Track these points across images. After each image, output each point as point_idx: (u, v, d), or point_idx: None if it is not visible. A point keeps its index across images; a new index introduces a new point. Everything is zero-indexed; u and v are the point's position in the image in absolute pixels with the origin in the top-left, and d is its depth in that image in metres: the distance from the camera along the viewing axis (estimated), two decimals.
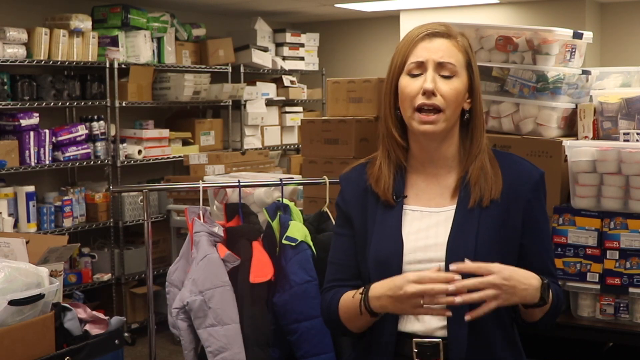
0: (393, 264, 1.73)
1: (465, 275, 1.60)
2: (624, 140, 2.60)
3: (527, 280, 1.64)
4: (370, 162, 1.85)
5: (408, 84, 1.73)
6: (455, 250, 1.70)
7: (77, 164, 5.52)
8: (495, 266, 1.60)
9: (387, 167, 1.80)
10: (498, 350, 1.74)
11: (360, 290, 1.72)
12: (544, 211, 1.80)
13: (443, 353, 1.69)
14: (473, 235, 1.71)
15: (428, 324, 1.72)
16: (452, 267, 1.60)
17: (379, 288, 1.67)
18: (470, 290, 1.59)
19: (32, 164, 5.18)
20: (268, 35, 7.08)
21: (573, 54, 2.83)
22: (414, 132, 1.76)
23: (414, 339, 1.71)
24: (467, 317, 1.60)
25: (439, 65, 1.72)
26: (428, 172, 1.80)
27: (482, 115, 1.80)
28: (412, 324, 1.73)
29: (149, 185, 4.93)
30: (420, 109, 1.72)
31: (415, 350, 1.70)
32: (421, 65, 1.72)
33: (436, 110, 1.71)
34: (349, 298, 1.76)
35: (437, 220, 1.75)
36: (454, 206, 1.75)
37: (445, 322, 1.71)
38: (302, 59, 7.34)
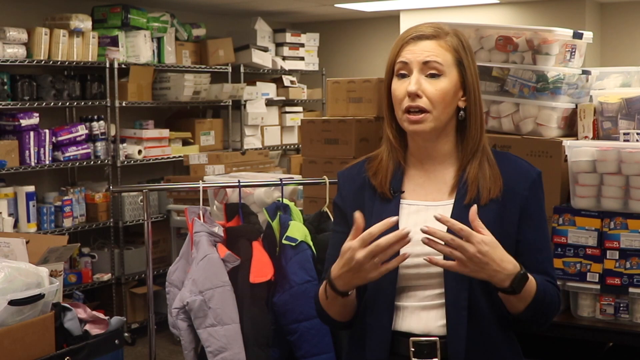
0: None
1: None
2: (624, 140, 2.60)
3: (502, 263, 1.62)
4: (370, 158, 1.88)
5: (396, 87, 1.76)
6: None
7: (77, 164, 5.52)
8: (477, 237, 1.59)
9: (387, 162, 1.82)
10: (496, 347, 1.74)
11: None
12: (541, 210, 1.81)
13: (440, 352, 1.69)
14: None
15: (425, 323, 1.72)
16: (436, 214, 1.61)
17: (336, 268, 1.69)
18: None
19: (32, 164, 5.18)
20: (268, 35, 7.08)
21: (573, 54, 2.83)
22: (406, 131, 1.79)
23: (411, 338, 1.71)
24: (424, 239, 1.61)
25: (424, 65, 1.73)
26: (426, 168, 1.82)
27: (480, 113, 1.80)
28: (409, 323, 1.73)
29: (149, 185, 4.93)
30: (408, 111, 1.74)
31: (413, 349, 1.70)
32: (406, 66, 1.75)
33: (422, 110, 1.73)
34: (322, 286, 1.78)
35: (434, 215, 1.76)
36: (452, 201, 1.77)
37: (443, 321, 1.71)
38: (302, 59, 7.34)
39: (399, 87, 1.75)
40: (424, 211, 1.78)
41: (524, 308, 1.71)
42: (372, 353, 1.76)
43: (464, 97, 1.78)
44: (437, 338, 1.70)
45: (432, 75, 1.73)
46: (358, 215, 1.64)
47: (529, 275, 1.68)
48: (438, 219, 1.60)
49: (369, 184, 1.83)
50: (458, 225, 1.59)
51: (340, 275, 1.68)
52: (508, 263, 1.64)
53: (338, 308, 1.78)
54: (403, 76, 1.75)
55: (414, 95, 1.72)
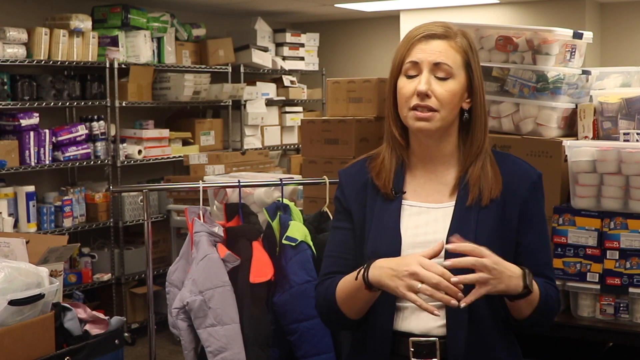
0: None
1: (460, 256, 1.60)
2: (624, 140, 2.60)
3: (511, 267, 1.64)
4: (372, 157, 1.87)
5: (404, 85, 1.75)
6: None
7: (77, 164, 5.52)
8: (487, 250, 1.60)
9: (389, 161, 1.82)
10: (495, 348, 1.75)
11: (363, 267, 1.71)
12: (541, 212, 1.81)
13: (440, 352, 1.69)
14: (472, 232, 1.71)
15: (425, 324, 1.72)
16: (449, 246, 1.59)
17: (385, 260, 1.67)
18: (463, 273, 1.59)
19: (32, 164, 5.17)
20: (268, 35, 7.08)
21: (573, 54, 2.83)
22: (411, 130, 1.78)
23: (411, 338, 1.71)
24: (463, 304, 1.58)
25: (435, 67, 1.73)
26: (427, 169, 1.81)
27: (484, 115, 1.80)
28: (409, 323, 1.73)
29: (149, 185, 4.92)
30: (415, 108, 1.73)
31: (412, 350, 1.70)
32: (416, 66, 1.74)
33: (431, 109, 1.72)
34: (351, 275, 1.74)
35: (435, 217, 1.77)
36: (453, 203, 1.77)
37: (443, 321, 1.71)
38: (302, 59, 7.33)
39: (407, 86, 1.74)
40: (425, 213, 1.78)
41: (530, 312, 1.71)
42: (373, 353, 1.76)
43: (468, 99, 1.78)
44: (437, 338, 1.70)
45: (442, 77, 1.73)
46: (445, 246, 1.62)
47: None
48: (451, 249, 1.59)
49: (371, 184, 1.82)
50: (468, 247, 1.59)
51: (382, 267, 1.65)
52: (514, 267, 1.65)
53: (358, 303, 1.74)
54: (411, 76, 1.74)
55: (423, 95, 1.71)
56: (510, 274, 1.62)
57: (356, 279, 1.69)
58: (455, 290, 1.56)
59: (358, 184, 1.85)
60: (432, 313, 1.59)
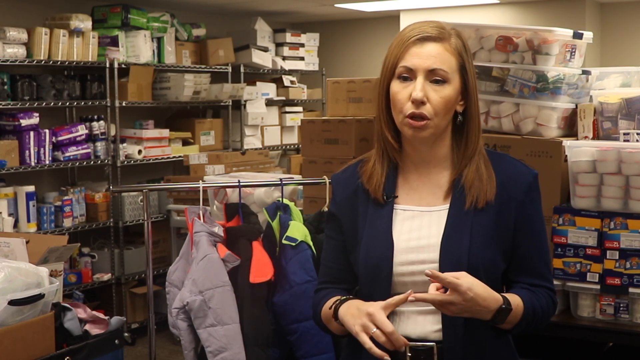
0: (383, 265, 1.71)
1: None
2: (624, 140, 2.60)
3: (485, 302, 1.62)
4: (363, 161, 1.84)
5: (399, 91, 1.71)
6: (449, 251, 1.69)
7: (77, 164, 5.52)
8: (463, 284, 1.58)
9: (380, 165, 1.79)
10: (492, 351, 1.73)
11: (342, 297, 1.76)
12: (538, 213, 1.78)
13: (437, 357, 1.68)
14: (467, 236, 1.69)
15: (422, 328, 1.71)
16: (427, 272, 1.59)
17: (357, 301, 1.71)
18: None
19: (32, 164, 5.17)
20: (268, 35, 7.08)
21: (573, 54, 2.83)
22: (406, 136, 1.75)
23: (408, 343, 1.69)
24: (412, 298, 1.61)
25: (430, 72, 1.69)
26: (421, 171, 1.78)
27: (478, 117, 1.77)
28: (405, 327, 1.71)
29: (149, 185, 4.92)
30: (409, 117, 1.70)
31: (409, 354, 1.68)
32: (411, 72, 1.70)
33: (424, 117, 1.69)
34: (330, 302, 1.79)
35: (429, 220, 1.74)
36: (447, 206, 1.74)
37: (439, 326, 1.70)
38: (302, 59, 7.34)
39: (402, 91, 1.70)
40: (419, 217, 1.75)
41: (512, 327, 1.72)
42: (368, 357, 1.74)
43: (461, 101, 1.74)
44: (434, 343, 1.68)
45: (437, 81, 1.69)
46: (405, 296, 1.63)
47: (516, 297, 1.69)
48: (429, 275, 1.59)
49: (362, 189, 1.80)
50: (446, 279, 1.58)
51: (350, 306, 1.71)
52: (490, 301, 1.63)
53: (336, 328, 1.80)
54: (405, 79, 1.70)
55: (418, 102, 1.67)
56: (480, 308, 1.62)
57: (330, 308, 1.75)
58: (401, 344, 1.60)
59: (349, 190, 1.82)
60: (382, 358, 1.60)
